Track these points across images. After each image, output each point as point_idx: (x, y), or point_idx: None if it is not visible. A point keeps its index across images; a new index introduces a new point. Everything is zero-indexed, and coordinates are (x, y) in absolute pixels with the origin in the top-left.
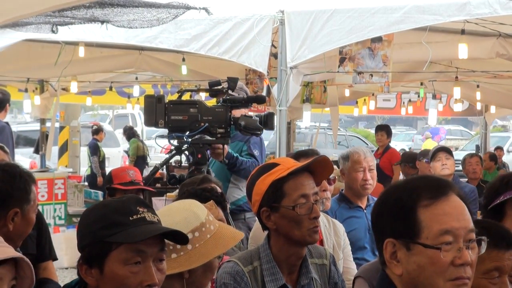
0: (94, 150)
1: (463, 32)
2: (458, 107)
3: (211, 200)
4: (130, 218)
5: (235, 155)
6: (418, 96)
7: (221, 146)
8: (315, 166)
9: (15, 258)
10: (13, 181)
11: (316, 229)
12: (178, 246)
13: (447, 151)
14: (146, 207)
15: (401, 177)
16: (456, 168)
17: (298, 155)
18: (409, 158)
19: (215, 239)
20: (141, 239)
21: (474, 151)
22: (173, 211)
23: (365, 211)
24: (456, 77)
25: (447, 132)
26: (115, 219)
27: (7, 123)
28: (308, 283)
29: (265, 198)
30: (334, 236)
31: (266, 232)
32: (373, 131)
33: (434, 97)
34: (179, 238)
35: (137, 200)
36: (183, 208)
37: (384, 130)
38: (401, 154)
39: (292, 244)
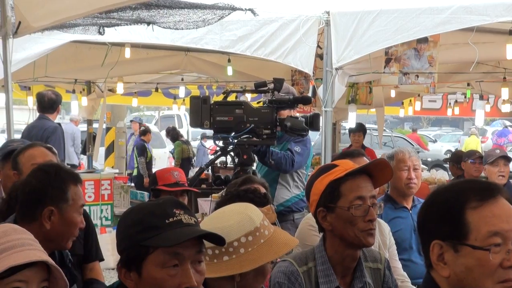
0: (141, 151)
1: (511, 32)
2: (506, 108)
3: (269, 205)
4: (166, 221)
5: None
6: (465, 97)
7: None
8: (374, 169)
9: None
10: (48, 179)
11: (371, 232)
12: (231, 249)
13: (507, 158)
14: (183, 209)
15: None
16: None
17: (343, 156)
18: (459, 158)
19: (268, 244)
20: (177, 242)
21: None
22: (227, 214)
23: (410, 211)
24: (504, 78)
25: None
26: (151, 222)
27: (59, 124)
28: (361, 287)
29: (322, 198)
30: (379, 235)
31: (321, 234)
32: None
33: (481, 97)
34: (217, 239)
35: (173, 202)
36: (238, 212)
37: (361, 131)
38: (448, 155)
39: (347, 245)
